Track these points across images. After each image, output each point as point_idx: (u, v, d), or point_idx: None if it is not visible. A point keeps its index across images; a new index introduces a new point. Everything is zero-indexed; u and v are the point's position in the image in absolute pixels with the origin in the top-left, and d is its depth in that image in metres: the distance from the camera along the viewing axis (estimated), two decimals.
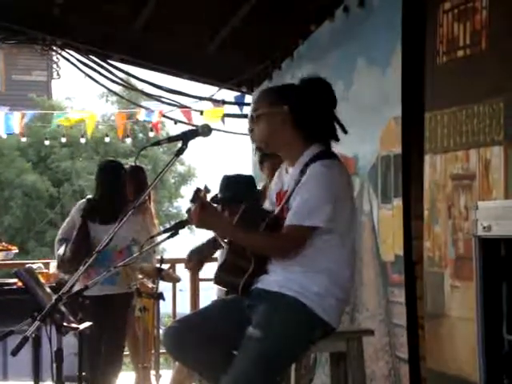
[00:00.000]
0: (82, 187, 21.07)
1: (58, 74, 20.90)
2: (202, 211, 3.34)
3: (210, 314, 3.56)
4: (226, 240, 3.57)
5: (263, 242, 3.42)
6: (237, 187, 4.77)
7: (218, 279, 3.60)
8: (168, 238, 3.58)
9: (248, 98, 8.38)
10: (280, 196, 3.50)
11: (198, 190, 3.40)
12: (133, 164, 7.01)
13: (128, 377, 6.91)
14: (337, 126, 3.49)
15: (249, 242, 3.41)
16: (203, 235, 7.62)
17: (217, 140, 9.83)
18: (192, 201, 3.39)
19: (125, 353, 7.34)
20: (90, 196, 5.89)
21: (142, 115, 10.24)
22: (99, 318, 5.02)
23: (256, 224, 3.42)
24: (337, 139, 3.49)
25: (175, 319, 4.26)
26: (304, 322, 3.33)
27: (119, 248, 5.39)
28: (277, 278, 3.38)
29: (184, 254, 5.34)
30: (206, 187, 3.42)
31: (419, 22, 4.73)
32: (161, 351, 5.96)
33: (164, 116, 9.77)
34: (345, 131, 3.49)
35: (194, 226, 3.51)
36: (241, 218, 3.46)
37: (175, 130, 9.49)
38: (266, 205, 3.67)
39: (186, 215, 3.43)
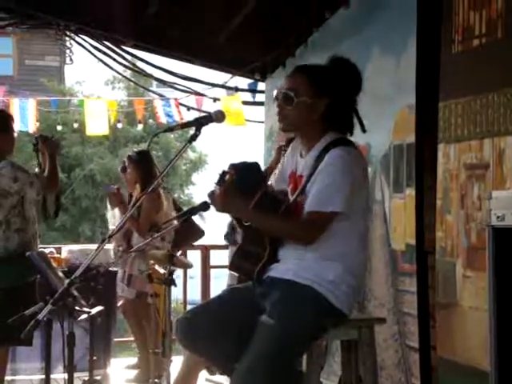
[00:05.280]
0: (92, 172, 21.07)
1: (70, 60, 20.92)
2: (227, 194, 3.33)
3: (222, 302, 3.53)
4: (243, 226, 3.52)
5: (285, 227, 3.40)
6: (243, 174, 4.77)
7: (233, 265, 3.59)
8: (180, 224, 3.58)
9: (261, 86, 8.35)
10: (294, 179, 3.48)
11: (224, 173, 3.37)
12: (137, 149, 7.01)
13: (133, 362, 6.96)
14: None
15: (271, 227, 3.40)
16: (214, 222, 7.65)
17: (228, 127, 9.80)
18: (218, 183, 3.35)
19: (130, 338, 7.39)
20: None
21: (158, 103, 10.04)
22: None
23: (272, 211, 3.40)
24: (352, 132, 3.48)
25: (187, 310, 4.20)
26: (317, 310, 3.31)
27: None
28: (290, 266, 3.37)
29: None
30: (231, 170, 3.38)
31: (435, 11, 4.71)
32: (173, 337, 5.96)
33: (179, 104, 9.71)
34: (363, 130, 3.47)
35: (207, 212, 3.48)
36: (257, 204, 3.41)
37: (187, 116, 9.45)
38: (272, 181, 3.65)
39: (208, 198, 3.37)
